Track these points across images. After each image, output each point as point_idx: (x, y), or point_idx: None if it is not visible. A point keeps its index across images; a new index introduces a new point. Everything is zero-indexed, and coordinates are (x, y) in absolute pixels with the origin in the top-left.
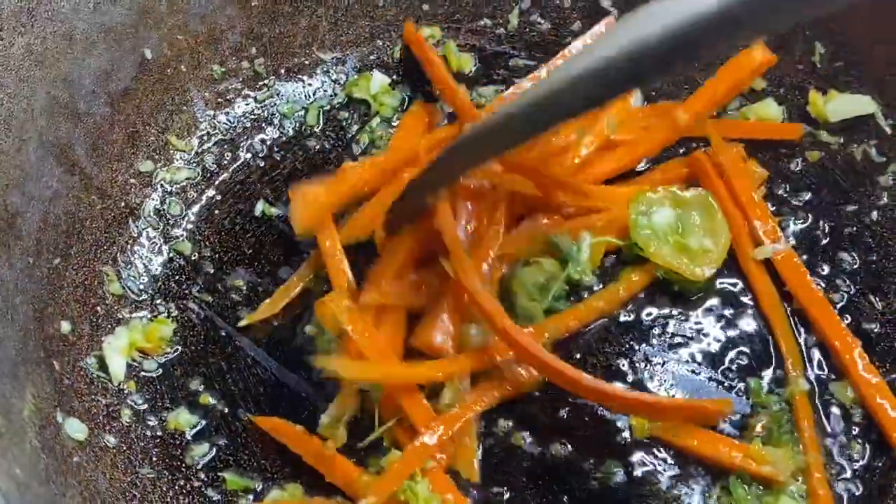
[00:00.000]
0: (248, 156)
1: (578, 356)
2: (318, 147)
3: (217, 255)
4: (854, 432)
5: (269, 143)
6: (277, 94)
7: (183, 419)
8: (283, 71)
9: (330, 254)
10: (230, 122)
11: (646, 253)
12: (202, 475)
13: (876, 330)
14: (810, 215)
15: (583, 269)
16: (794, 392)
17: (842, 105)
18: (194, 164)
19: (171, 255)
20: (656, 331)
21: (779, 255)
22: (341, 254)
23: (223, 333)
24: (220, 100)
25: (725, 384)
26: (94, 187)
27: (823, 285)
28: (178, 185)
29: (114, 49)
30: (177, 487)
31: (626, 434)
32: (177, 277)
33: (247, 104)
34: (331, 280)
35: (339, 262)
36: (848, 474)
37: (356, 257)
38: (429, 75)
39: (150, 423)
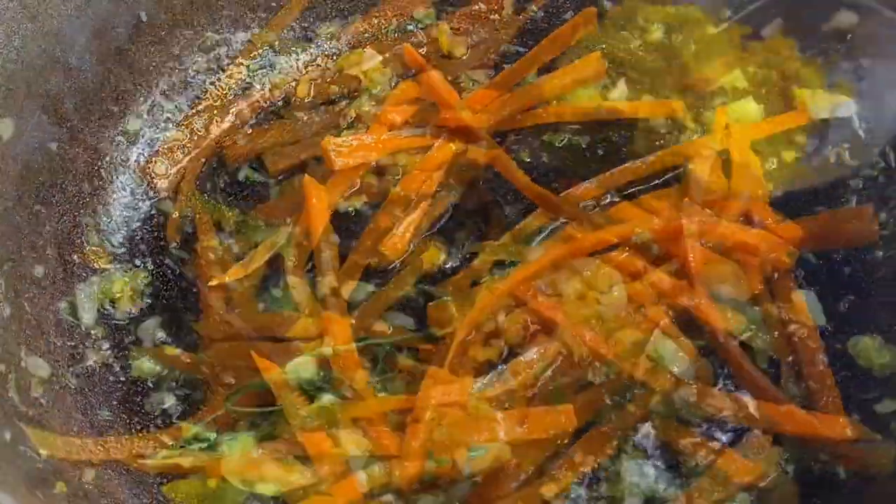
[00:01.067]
0: (237, 122)
1: None
2: (305, 118)
3: (197, 216)
4: None
5: (257, 111)
6: (270, 65)
7: (147, 368)
8: (277, 42)
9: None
10: (221, 88)
11: None
12: (159, 421)
13: (830, 329)
14: (780, 214)
15: None
16: None
17: (824, 103)
18: (182, 127)
19: (152, 212)
20: None
21: None
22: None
23: (195, 291)
24: (212, 66)
25: None
26: (80, 140)
27: None
28: (164, 146)
29: (109, 9)
30: (132, 431)
31: None
32: (155, 234)
33: (239, 72)
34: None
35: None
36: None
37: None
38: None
39: (113, 369)
